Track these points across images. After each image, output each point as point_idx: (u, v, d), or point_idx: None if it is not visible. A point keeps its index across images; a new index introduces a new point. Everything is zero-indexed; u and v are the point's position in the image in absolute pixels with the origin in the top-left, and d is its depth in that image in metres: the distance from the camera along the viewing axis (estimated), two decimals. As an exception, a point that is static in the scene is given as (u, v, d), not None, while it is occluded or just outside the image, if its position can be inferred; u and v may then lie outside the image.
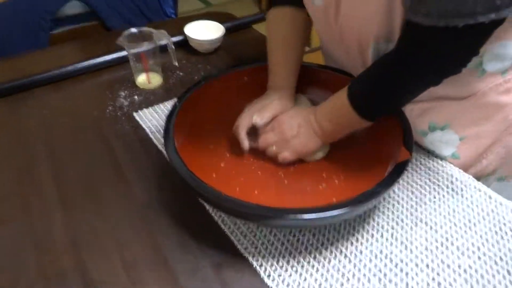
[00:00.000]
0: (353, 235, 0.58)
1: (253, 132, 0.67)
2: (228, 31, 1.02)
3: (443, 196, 0.64)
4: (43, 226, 0.61)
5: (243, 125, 0.66)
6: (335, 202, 0.51)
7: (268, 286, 0.52)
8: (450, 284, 0.52)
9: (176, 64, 0.93)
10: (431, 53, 0.51)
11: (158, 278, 0.54)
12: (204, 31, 0.99)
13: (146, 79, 0.88)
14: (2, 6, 1.07)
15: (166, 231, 0.59)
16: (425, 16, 0.47)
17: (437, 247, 0.57)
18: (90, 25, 1.18)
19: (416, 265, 0.55)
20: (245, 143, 0.65)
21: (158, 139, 0.74)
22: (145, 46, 0.83)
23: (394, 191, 0.65)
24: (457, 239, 0.58)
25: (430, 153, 0.71)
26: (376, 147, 0.64)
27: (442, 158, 0.70)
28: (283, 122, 0.65)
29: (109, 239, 0.59)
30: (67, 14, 1.15)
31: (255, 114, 0.66)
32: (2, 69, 0.92)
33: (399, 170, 0.54)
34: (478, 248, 0.57)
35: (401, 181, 0.66)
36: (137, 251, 0.57)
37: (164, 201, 0.64)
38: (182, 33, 0.99)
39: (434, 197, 0.64)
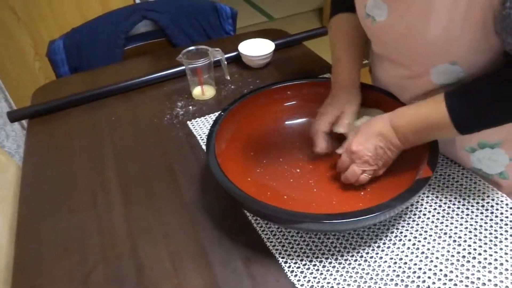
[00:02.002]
0: (375, 242, 0.62)
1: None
2: (278, 47, 1.10)
3: (472, 212, 0.65)
4: (106, 216, 0.71)
5: (319, 131, 0.72)
6: (350, 211, 0.56)
7: (291, 281, 0.58)
8: (466, 295, 0.54)
9: (228, 78, 1.02)
10: None
11: (196, 267, 0.62)
12: (256, 48, 1.07)
13: (201, 91, 0.98)
14: (90, 24, 1.24)
15: (206, 227, 0.67)
16: None
17: (458, 260, 0.59)
18: (157, 41, 1.32)
19: (435, 274, 0.57)
20: (322, 146, 0.71)
21: (206, 146, 0.83)
22: (200, 62, 0.93)
23: (421, 204, 0.67)
24: (480, 253, 0.59)
25: (475, 172, 0.72)
26: (403, 163, 0.67)
27: (488, 177, 0.71)
28: (360, 153, 0.64)
29: (158, 231, 0.68)
30: (139, 32, 1.29)
31: (336, 125, 0.72)
32: (84, 81, 1.08)
33: (416, 187, 0.57)
34: (501, 264, 0.58)
35: (430, 195, 0.69)
36: (180, 242, 0.66)
37: (206, 201, 0.72)
38: (237, 49, 1.08)
39: (462, 212, 0.65)
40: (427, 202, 0.68)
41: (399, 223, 0.65)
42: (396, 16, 0.64)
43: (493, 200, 0.67)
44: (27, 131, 0.95)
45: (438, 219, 0.65)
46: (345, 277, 0.58)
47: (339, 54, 0.77)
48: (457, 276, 0.57)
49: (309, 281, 0.58)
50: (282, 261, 0.60)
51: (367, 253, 0.61)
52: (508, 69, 0.55)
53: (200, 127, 0.89)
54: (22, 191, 0.78)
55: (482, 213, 0.65)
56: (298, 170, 0.72)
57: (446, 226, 0.63)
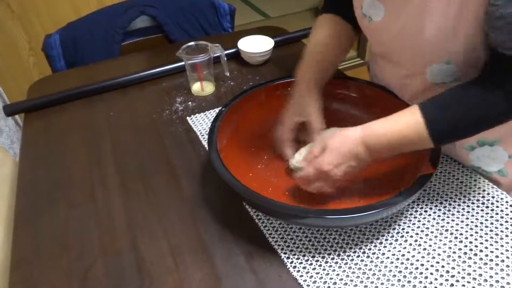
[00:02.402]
0: (378, 238, 0.62)
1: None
2: (278, 44, 1.10)
3: (473, 209, 0.66)
4: (105, 210, 0.71)
5: (282, 141, 0.72)
6: (353, 207, 0.56)
7: (293, 276, 0.58)
8: (468, 291, 0.55)
9: (228, 74, 1.02)
10: None
11: (197, 261, 0.61)
12: (256, 45, 1.07)
13: (200, 87, 0.97)
14: (87, 19, 1.23)
15: (207, 222, 0.67)
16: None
17: (460, 256, 0.59)
18: (155, 37, 1.31)
19: (437, 270, 0.57)
20: (290, 155, 0.71)
21: (206, 141, 0.82)
22: (200, 58, 0.92)
23: (423, 201, 0.67)
24: (481, 250, 0.60)
25: (474, 170, 0.72)
26: (404, 160, 0.67)
27: (487, 175, 0.71)
28: (331, 174, 0.60)
29: (159, 226, 0.67)
30: (136, 28, 1.28)
31: (292, 159, 0.70)
32: (81, 76, 1.06)
33: (419, 183, 0.57)
34: (502, 260, 0.58)
35: (431, 192, 0.69)
36: (181, 237, 0.65)
37: (207, 196, 0.71)
38: (236, 46, 1.08)
39: (463, 209, 0.66)
40: (428, 199, 0.68)
41: (400, 220, 0.65)
42: (392, 15, 0.65)
43: (493, 197, 0.67)
44: (24, 125, 0.93)
45: (439, 216, 0.65)
46: (347, 273, 0.58)
47: (308, 52, 0.75)
48: (459, 272, 0.57)
49: (311, 276, 0.57)
50: (284, 256, 0.60)
51: (370, 249, 0.61)
52: (484, 79, 0.55)
53: (200, 122, 0.88)
54: (19, 186, 0.77)
55: (482, 210, 0.65)
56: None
57: (447, 223, 0.64)
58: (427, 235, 0.62)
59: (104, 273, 0.61)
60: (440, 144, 0.58)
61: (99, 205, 0.72)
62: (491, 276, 0.56)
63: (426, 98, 0.58)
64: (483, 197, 0.68)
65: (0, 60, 1.65)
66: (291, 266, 0.59)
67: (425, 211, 0.66)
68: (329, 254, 0.60)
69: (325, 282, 0.56)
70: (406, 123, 0.57)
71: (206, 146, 0.82)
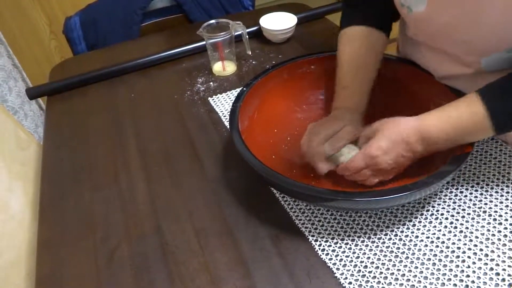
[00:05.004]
0: (410, 220, 0.59)
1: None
2: (301, 21, 1.05)
3: (512, 189, 0.62)
4: (129, 193, 0.70)
5: (319, 154, 0.61)
6: (385, 188, 0.53)
7: (322, 259, 0.56)
8: (510, 275, 0.51)
9: (250, 53, 0.99)
10: None
11: (222, 245, 0.60)
12: (278, 22, 1.03)
13: (222, 67, 0.95)
14: (106, 0, 1.22)
15: (231, 204, 0.65)
16: None
17: (499, 239, 0.56)
18: (175, 17, 1.28)
19: (475, 253, 0.54)
20: (324, 167, 0.62)
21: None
22: (221, 36, 0.89)
23: (458, 182, 0.64)
24: (523, 232, 0.56)
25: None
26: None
27: None
28: (378, 160, 0.56)
29: (183, 209, 0.66)
30: (155, 8, 1.26)
31: (327, 145, 0.61)
32: (102, 58, 1.05)
33: (455, 163, 0.54)
34: (546, 244, 0.55)
35: (467, 172, 0.65)
36: (206, 220, 0.64)
37: (231, 178, 0.70)
38: (258, 24, 1.04)
39: (502, 189, 0.62)
40: (464, 180, 0.64)
41: (435, 201, 0.61)
42: (437, 7, 0.58)
43: (535, 177, 0.63)
44: (46, 108, 0.93)
45: (476, 197, 0.61)
46: (379, 256, 0.55)
47: (345, 82, 0.67)
48: (499, 256, 0.54)
49: (341, 260, 0.55)
50: (312, 239, 0.58)
51: (402, 232, 0.58)
52: None
53: (222, 103, 0.86)
54: (44, 169, 0.77)
55: (523, 190, 0.62)
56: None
57: (485, 204, 0.60)
58: (463, 217, 0.59)
59: (129, 256, 0.60)
60: (501, 132, 0.54)
61: (123, 187, 0.71)
62: (534, 260, 0.53)
63: (482, 85, 0.53)
64: (524, 177, 0.64)
65: (22, 44, 1.67)
66: (319, 249, 0.57)
67: (461, 192, 0.62)
68: (359, 237, 0.58)
69: (355, 266, 0.54)
70: (464, 111, 0.53)
71: (228, 127, 0.80)
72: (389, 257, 0.55)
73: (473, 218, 0.58)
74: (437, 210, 0.60)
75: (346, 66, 0.68)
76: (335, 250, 0.56)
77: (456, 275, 0.52)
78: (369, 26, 0.68)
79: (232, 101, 0.69)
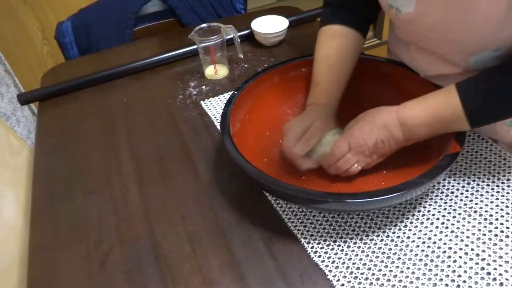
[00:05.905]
0: (402, 221, 0.60)
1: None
2: (292, 24, 1.06)
3: (503, 189, 0.62)
4: (121, 197, 0.70)
5: (298, 152, 0.63)
6: (376, 189, 0.53)
7: (314, 261, 0.56)
8: (501, 275, 0.52)
9: (241, 56, 0.99)
10: None
11: (215, 248, 0.60)
12: (270, 25, 1.03)
13: (214, 71, 0.95)
14: (98, 4, 1.21)
15: (224, 207, 0.65)
16: None
17: (490, 238, 0.56)
18: (167, 21, 1.28)
19: (466, 253, 0.55)
20: (307, 164, 0.64)
21: (221, 126, 0.81)
22: (213, 40, 0.90)
23: (448, 182, 0.64)
24: (513, 232, 0.57)
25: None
26: (429, 139, 0.64)
27: None
28: (360, 141, 0.59)
29: (175, 212, 0.66)
30: (148, 12, 1.26)
31: (299, 145, 0.63)
32: (94, 63, 1.05)
33: (445, 162, 0.54)
34: (536, 242, 0.55)
35: (457, 172, 0.66)
36: (198, 223, 0.64)
37: (223, 181, 0.70)
38: (249, 27, 1.05)
39: (492, 189, 0.62)
40: (454, 180, 0.65)
41: (426, 202, 0.62)
42: (427, 7, 0.59)
43: (524, 177, 0.64)
44: (38, 113, 0.93)
45: (467, 197, 0.62)
46: (371, 257, 0.55)
47: (318, 79, 0.69)
48: (489, 255, 0.54)
49: (333, 261, 0.55)
50: (305, 241, 0.58)
51: (394, 233, 0.58)
52: None
53: (214, 107, 0.86)
54: (35, 173, 0.76)
55: (513, 190, 0.62)
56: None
57: (476, 204, 0.61)
58: (454, 217, 0.59)
59: (122, 259, 0.60)
60: (474, 125, 0.55)
61: (116, 191, 0.71)
62: (524, 259, 0.53)
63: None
64: (514, 176, 0.64)
65: (14, 50, 1.66)
66: (312, 251, 0.57)
67: (452, 192, 0.63)
68: (351, 238, 0.58)
69: (347, 267, 0.54)
70: (441, 101, 0.56)
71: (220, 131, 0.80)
72: (381, 258, 0.55)
73: (464, 218, 0.59)
74: (428, 211, 0.60)
75: (320, 64, 0.70)
76: (327, 252, 0.57)
77: (447, 275, 0.52)
78: (345, 26, 0.70)
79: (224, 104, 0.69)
